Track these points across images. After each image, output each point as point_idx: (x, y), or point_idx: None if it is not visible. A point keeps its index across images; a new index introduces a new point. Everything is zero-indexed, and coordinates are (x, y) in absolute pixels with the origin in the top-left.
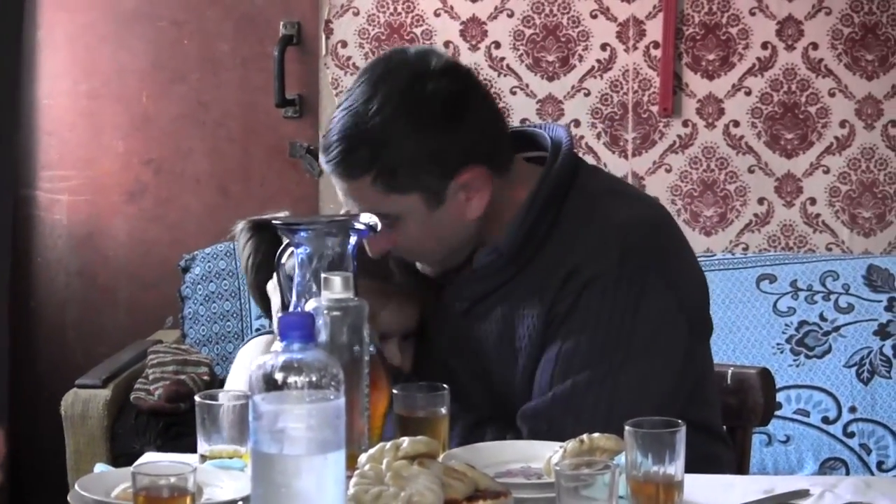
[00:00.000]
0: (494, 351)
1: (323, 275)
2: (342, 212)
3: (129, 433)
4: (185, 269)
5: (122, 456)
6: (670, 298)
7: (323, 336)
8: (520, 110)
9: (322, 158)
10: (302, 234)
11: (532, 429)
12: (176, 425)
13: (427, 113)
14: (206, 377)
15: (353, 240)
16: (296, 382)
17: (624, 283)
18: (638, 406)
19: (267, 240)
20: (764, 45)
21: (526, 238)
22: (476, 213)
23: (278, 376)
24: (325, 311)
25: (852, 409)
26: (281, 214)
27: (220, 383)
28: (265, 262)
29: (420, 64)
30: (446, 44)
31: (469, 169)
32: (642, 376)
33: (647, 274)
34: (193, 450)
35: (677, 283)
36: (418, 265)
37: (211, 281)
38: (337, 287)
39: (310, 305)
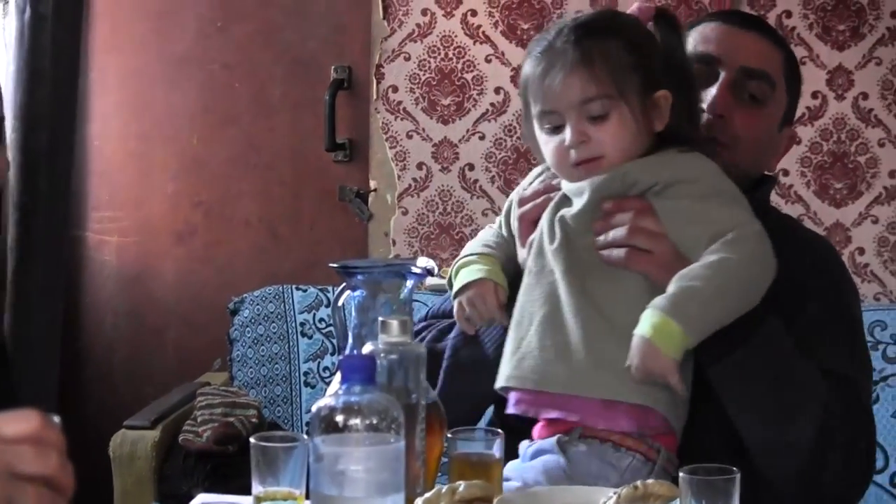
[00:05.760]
0: None
1: (380, 318)
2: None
3: (177, 475)
4: (234, 312)
5: (169, 498)
6: None
7: (379, 379)
8: None
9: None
10: (359, 277)
11: None
12: (224, 467)
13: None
14: (254, 419)
15: (409, 283)
16: (356, 425)
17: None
18: None
19: None
20: (814, 95)
21: None
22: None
23: (339, 418)
24: (382, 355)
25: None
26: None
27: (269, 426)
28: None
29: None
30: (497, 90)
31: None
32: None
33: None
34: (241, 492)
35: None
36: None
37: (259, 324)
38: (394, 331)
39: (366, 349)
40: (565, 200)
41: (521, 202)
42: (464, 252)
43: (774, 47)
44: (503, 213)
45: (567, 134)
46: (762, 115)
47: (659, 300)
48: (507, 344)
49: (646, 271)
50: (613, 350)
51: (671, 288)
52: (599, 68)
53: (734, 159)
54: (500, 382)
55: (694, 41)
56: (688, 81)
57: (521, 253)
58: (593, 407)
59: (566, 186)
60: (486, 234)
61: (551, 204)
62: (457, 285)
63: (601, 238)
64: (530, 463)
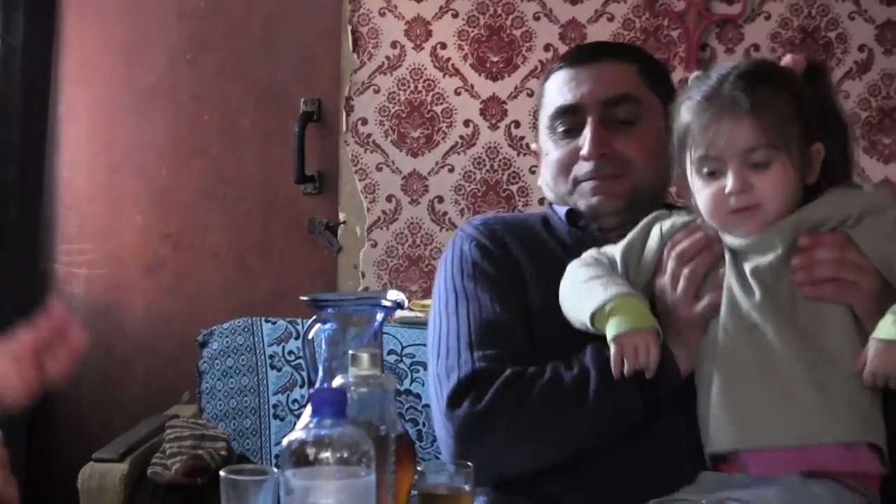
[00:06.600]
0: None
1: (350, 351)
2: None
3: None
4: (203, 344)
5: None
6: None
7: (350, 413)
8: (539, 190)
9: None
10: (329, 310)
11: None
12: (193, 500)
13: None
14: (223, 452)
15: (380, 316)
16: (327, 458)
17: None
18: None
19: None
20: None
21: None
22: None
23: (309, 452)
24: (353, 388)
25: None
26: None
27: (238, 458)
28: None
29: None
30: (466, 122)
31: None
32: None
33: None
34: None
35: None
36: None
37: (228, 356)
38: (364, 364)
39: (337, 382)
40: (735, 254)
41: (682, 258)
42: (606, 292)
43: (624, 64)
44: (620, 256)
45: (729, 181)
46: (641, 132)
47: None
48: (719, 408)
49: (854, 303)
50: (845, 389)
51: None
52: (768, 117)
53: (636, 182)
54: (721, 446)
55: (551, 94)
56: (842, 133)
57: (686, 310)
58: (836, 452)
59: (736, 242)
60: (609, 271)
61: (727, 261)
62: (617, 328)
63: (802, 274)
64: (767, 489)
